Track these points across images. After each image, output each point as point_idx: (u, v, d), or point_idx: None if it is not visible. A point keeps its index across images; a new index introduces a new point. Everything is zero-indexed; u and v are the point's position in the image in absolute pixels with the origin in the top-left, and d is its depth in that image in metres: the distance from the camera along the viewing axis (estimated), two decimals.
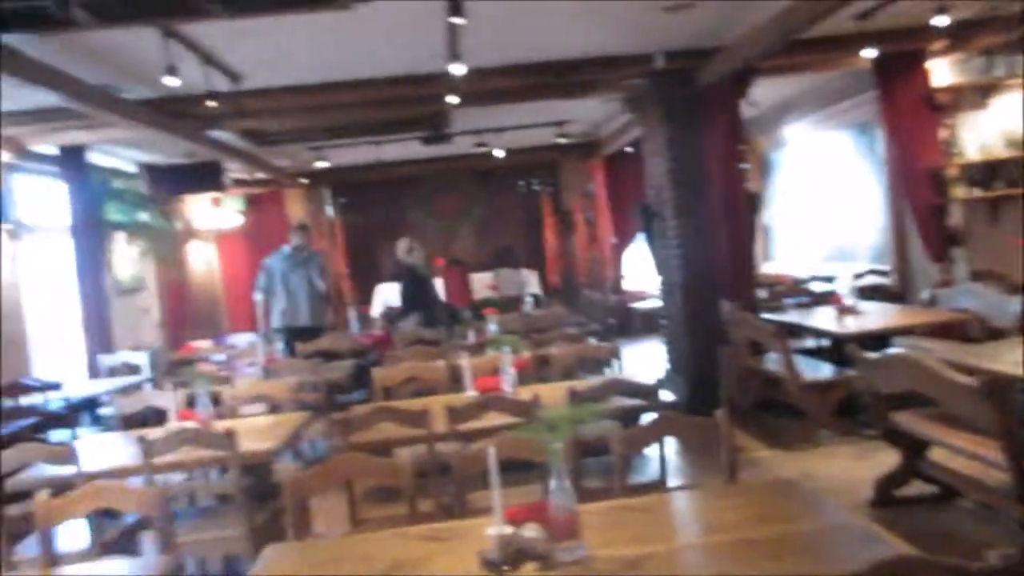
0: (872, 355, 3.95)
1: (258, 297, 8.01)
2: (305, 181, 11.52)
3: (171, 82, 4.55)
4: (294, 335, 6.95)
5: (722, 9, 5.23)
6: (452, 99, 5.94)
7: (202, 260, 11.12)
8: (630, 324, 11.01)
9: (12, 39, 4.25)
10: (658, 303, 10.28)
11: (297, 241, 7.84)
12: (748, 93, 6.38)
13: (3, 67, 4.18)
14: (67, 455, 3.62)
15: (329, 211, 12.68)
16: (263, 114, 6.41)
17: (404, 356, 5.65)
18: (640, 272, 12.09)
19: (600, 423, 3.22)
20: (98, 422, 6.71)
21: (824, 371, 5.97)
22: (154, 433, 3.86)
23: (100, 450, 4.14)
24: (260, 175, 10.32)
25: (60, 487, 3.64)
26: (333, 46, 5.27)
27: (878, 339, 5.61)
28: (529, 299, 9.66)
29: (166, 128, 6.28)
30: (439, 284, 10.59)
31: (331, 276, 8.69)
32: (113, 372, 7.53)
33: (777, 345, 5.67)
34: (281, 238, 10.37)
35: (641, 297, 11.07)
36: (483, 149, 10.05)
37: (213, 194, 10.12)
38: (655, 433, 2.90)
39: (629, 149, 10.84)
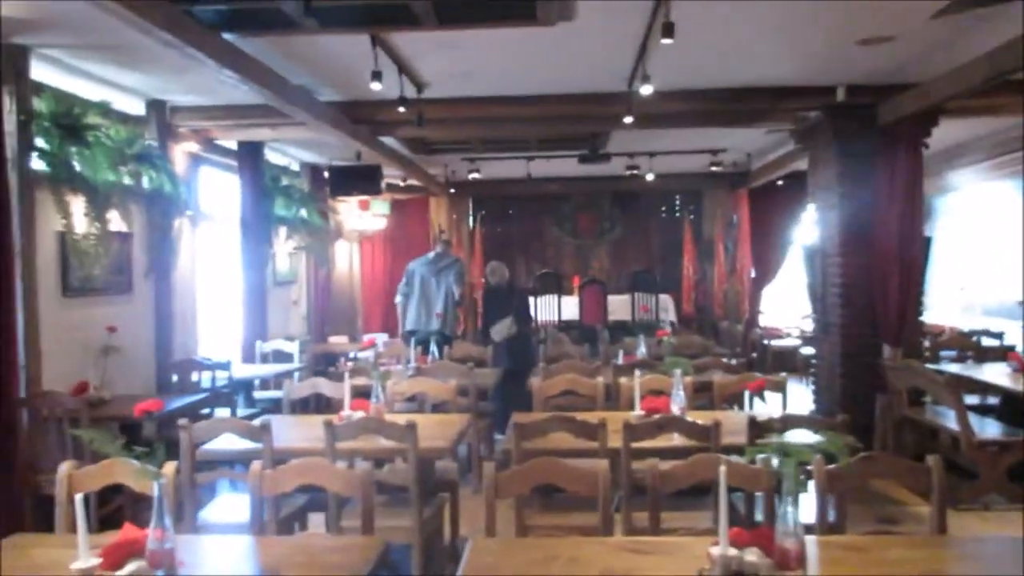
0: None
1: (399, 300, 8.31)
2: (451, 190, 11.81)
3: (376, 87, 4.75)
4: (421, 340, 7.16)
5: (922, 45, 5.07)
6: (628, 119, 5.94)
7: (345, 260, 11.55)
8: (764, 360, 10.72)
9: (230, 36, 4.56)
10: (795, 341, 10.10)
11: (440, 250, 8.19)
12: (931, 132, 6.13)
13: (225, 63, 4.46)
14: (258, 432, 3.82)
15: (470, 222, 12.95)
16: (437, 123, 6.56)
17: (558, 370, 5.68)
18: (778, 308, 11.84)
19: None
20: (252, 404, 7.08)
21: (992, 430, 5.67)
22: (336, 420, 4.01)
23: (280, 430, 4.34)
24: (412, 181, 10.65)
25: (248, 461, 3.88)
26: (519, 61, 5.38)
27: None
28: (666, 325, 9.58)
29: (348, 131, 6.55)
30: (572, 301, 10.65)
31: (467, 285, 8.92)
32: (265, 358, 7.93)
33: (949, 398, 5.40)
34: (421, 245, 10.85)
35: (777, 334, 10.77)
36: (634, 171, 10.06)
37: (366, 197, 10.51)
38: (862, 473, 2.81)
39: (780, 182, 10.69)
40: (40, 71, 5.05)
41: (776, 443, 2.17)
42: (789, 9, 4.39)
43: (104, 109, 5.58)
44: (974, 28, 4.66)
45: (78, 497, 2.27)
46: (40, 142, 4.97)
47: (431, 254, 8.18)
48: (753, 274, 11.51)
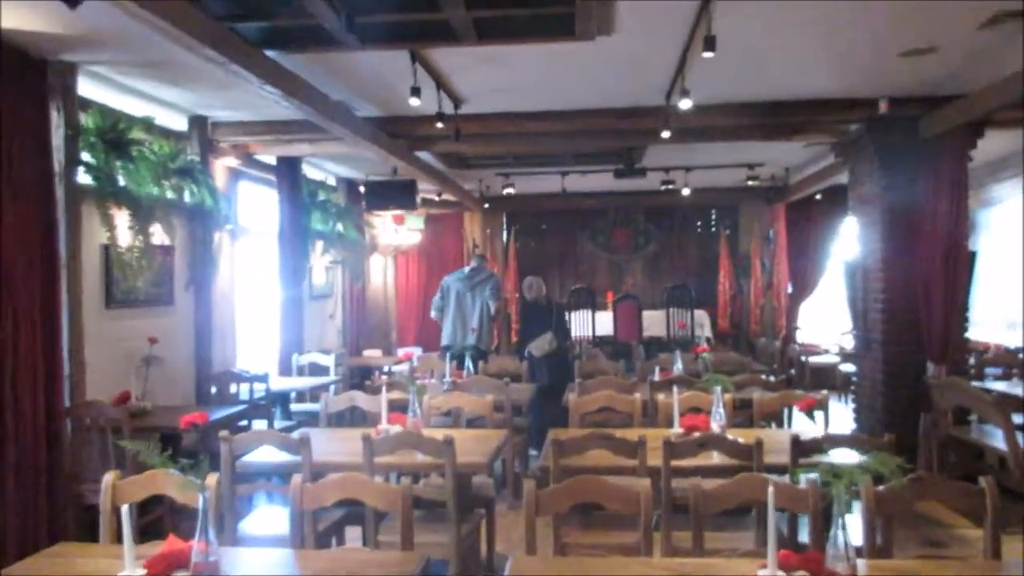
0: None
1: (434, 315, 8.32)
2: (486, 205, 11.80)
3: (414, 103, 4.78)
4: (457, 354, 7.13)
5: (966, 56, 4.98)
6: (665, 134, 5.90)
7: (380, 274, 11.60)
8: (801, 377, 10.56)
9: (272, 53, 4.62)
10: (833, 358, 9.93)
11: (475, 264, 8.18)
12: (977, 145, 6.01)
13: (267, 80, 4.51)
14: (297, 445, 3.82)
15: (504, 236, 12.93)
16: (473, 138, 6.59)
17: (595, 386, 5.64)
18: (815, 324, 11.67)
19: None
20: (288, 416, 7.12)
21: None
22: (373, 434, 4.01)
23: (317, 443, 4.34)
24: (447, 196, 10.65)
25: (286, 473, 3.90)
26: (556, 75, 5.37)
27: None
28: (702, 341, 9.49)
29: (386, 146, 6.57)
30: (606, 317, 10.60)
31: (502, 300, 8.93)
32: (301, 371, 7.98)
33: (997, 417, 5.26)
34: (455, 260, 10.89)
35: (815, 351, 10.57)
36: (669, 186, 9.99)
37: (401, 211, 10.61)
38: (912, 495, 2.74)
39: (818, 196, 10.58)
40: (87, 87, 5.15)
41: (826, 464, 2.12)
42: (831, 21, 4.34)
43: (148, 124, 5.68)
44: (1019, 39, 4.57)
45: (124, 508, 2.29)
46: (86, 156, 5.06)
47: (466, 269, 8.18)
48: (790, 289, 11.40)
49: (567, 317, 8.85)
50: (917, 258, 6.33)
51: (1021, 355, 7.43)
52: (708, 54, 3.86)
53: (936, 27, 4.46)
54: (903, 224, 6.37)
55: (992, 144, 7.40)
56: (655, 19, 4.24)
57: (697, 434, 3.90)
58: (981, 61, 5.10)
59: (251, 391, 6.23)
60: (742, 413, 5.26)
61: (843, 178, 7.42)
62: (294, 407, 7.42)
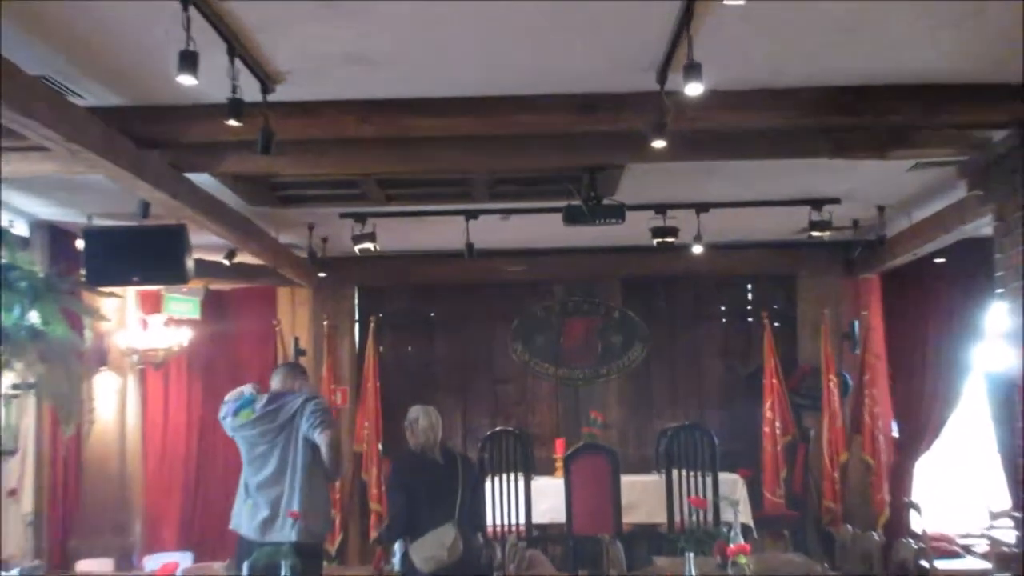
0: None
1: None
2: (321, 275, 7.84)
3: (187, 81, 3.55)
4: (260, 565, 4.20)
5: None
6: (657, 143, 4.38)
7: (112, 408, 7.64)
8: None
9: None
10: (981, 563, 7.37)
11: (280, 378, 5.10)
12: None
13: None
14: None
15: (355, 333, 8.70)
16: (299, 147, 5.03)
17: None
18: (945, 500, 8.15)
19: None
20: None
21: None
22: None
23: None
24: (246, 259, 7.15)
25: None
26: (460, 37, 4.08)
27: None
28: (736, 535, 5.86)
29: (128, 161, 4.70)
30: (553, 488, 7.12)
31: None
32: None
33: None
34: (261, 373, 7.17)
35: (947, 549, 7.34)
36: (667, 240, 6.70)
37: (156, 286, 7.20)
38: None
39: (939, 260, 7.53)
40: None
41: None
42: None
43: None
44: None
45: None
46: None
47: (250, 393, 4.98)
48: (896, 432, 7.93)
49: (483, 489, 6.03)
50: None
51: None
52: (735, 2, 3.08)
53: None
54: None
55: None
56: None
57: None
58: None
59: None
60: None
61: (984, 226, 5.77)
62: None
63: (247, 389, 4.94)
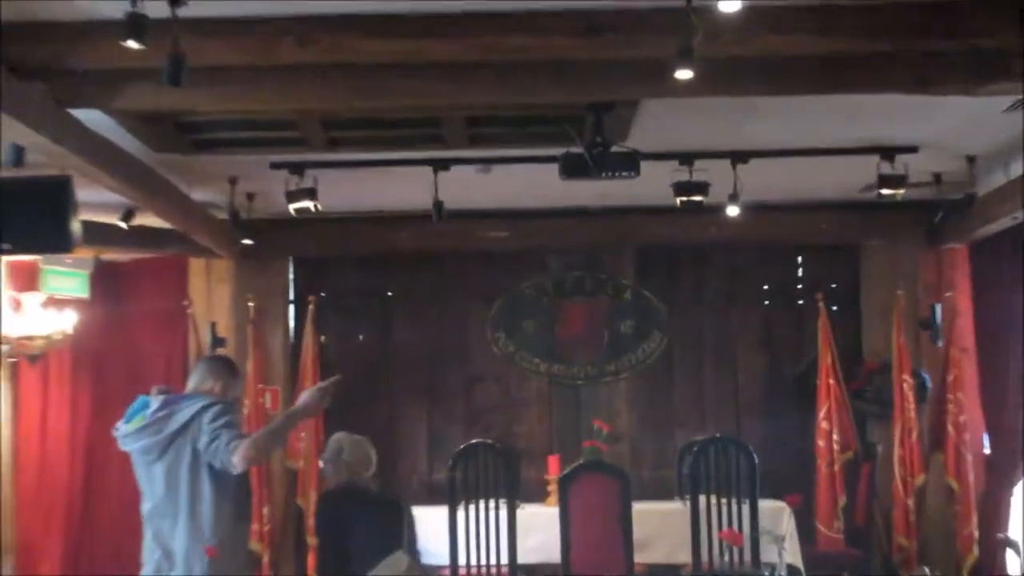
0: None
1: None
2: (246, 242, 6.91)
3: None
4: None
5: None
6: (682, 73, 3.94)
7: None
8: None
9: None
10: None
11: (193, 383, 4.21)
12: None
13: None
14: None
15: (290, 317, 7.63)
16: (218, 76, 4.44)
17: None
18: None
19: None
20: None
21: None
22: None
23: None
24: (149, 221, 6.37)
25: None
26: None
27: None
28: (777, 575, 5.06)
29: None
30: (545, 518, 6.25)
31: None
32: None
33: None
34: (175, 375, 6.72)
35: None
36: (694, 199, 5.97)
37: (33, 256, 6.26)
38: None
39: None
40: None
41: None
42: None
43: None
44: None
45: None
46: None
47: (147, 399, 4.10)
48: (988, 449, 7.01)
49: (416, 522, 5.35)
50: None
51: None
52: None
53: None
54: None
55: None
56: None
57: None
58: None
59: None
60: None
61: None
62: None
63: (154, 391, 4.08)
